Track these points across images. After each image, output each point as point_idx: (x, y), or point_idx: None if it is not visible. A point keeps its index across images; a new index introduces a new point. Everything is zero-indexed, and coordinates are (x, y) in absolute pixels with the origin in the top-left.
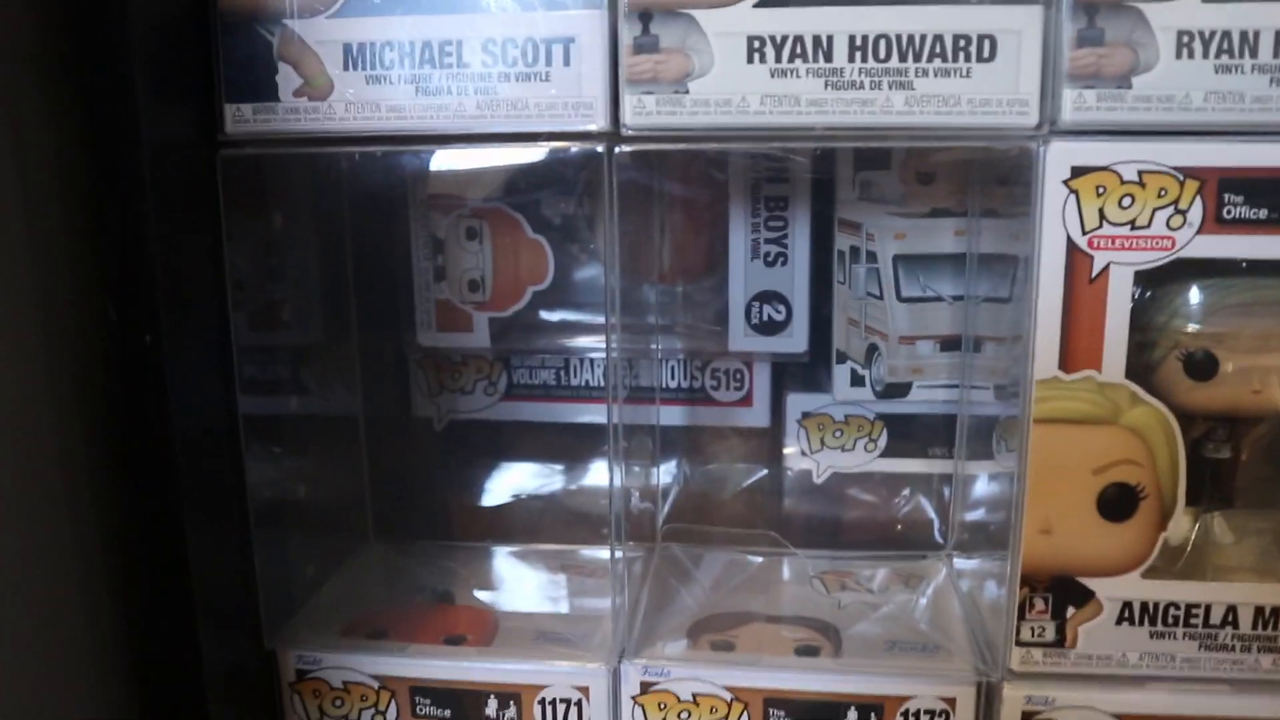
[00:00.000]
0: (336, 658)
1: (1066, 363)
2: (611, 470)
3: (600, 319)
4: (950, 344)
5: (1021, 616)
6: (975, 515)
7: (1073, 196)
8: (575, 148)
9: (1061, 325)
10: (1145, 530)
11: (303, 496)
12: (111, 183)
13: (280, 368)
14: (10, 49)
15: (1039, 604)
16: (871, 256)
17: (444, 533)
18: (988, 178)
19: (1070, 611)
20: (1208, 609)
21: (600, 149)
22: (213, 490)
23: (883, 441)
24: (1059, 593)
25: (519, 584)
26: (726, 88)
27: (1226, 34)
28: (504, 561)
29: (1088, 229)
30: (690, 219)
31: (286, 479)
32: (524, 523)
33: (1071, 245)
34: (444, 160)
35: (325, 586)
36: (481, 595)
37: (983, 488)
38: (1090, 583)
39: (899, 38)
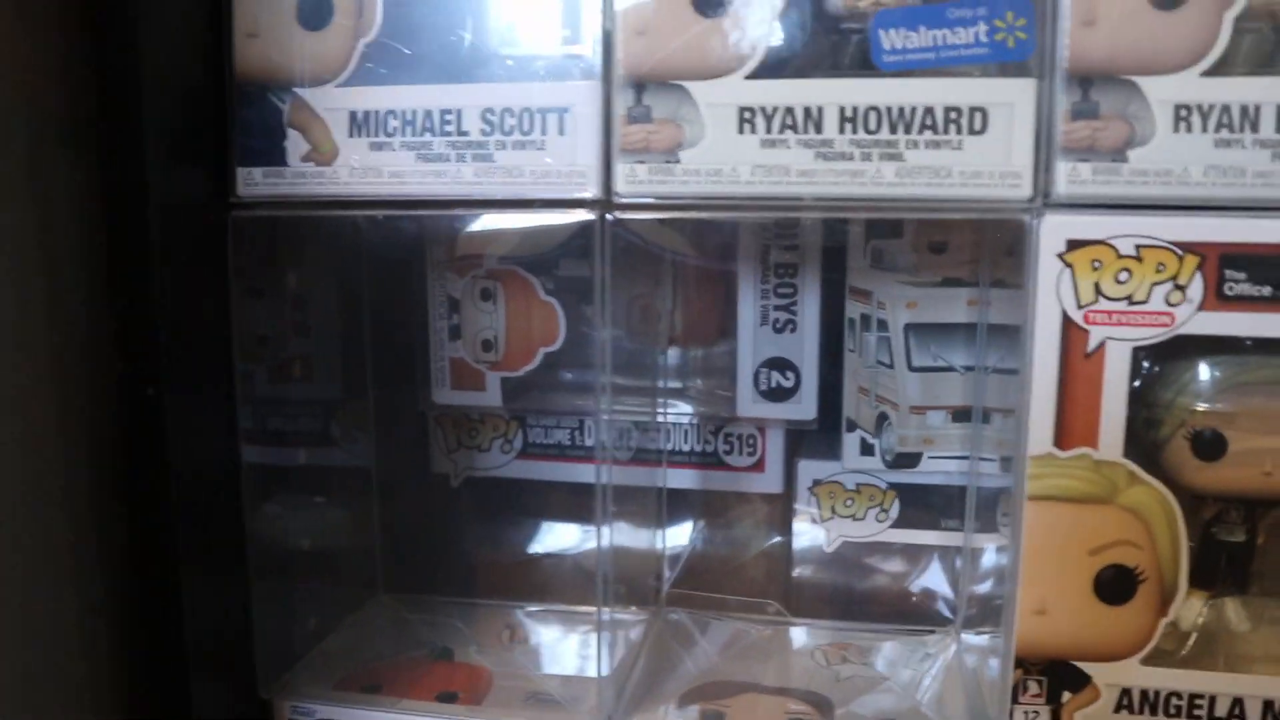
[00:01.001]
0: (329, 710)
1: (1061, 439)
2: (600, 531)
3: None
4: (962, 415)
5: (1015, 700)
6: (982, 589)
7: (1067, 270)
8: (570, 216)
9: (1056, 401)
10: (1145, 614)
11: (311, 548)
12: (125, 242)
13: (297, 421)
14: (39, 110)
15: (1033, 687)
16: (883, 325)
17: (454, 588)
18: (997, 248)
19: (1066, 697)
20: (1212, 700)
21: (593, 216)
22: (211, 540)
23: (895, 511)
24: (1054, 676)
25: (521, 643)
26: (717, 157)
27: (1226, 108)
28: (511, 620)
29: (1083, 303)
30: (700, 284)
31: (295, 530)
32: (535, 581)
33: (1066, 319)
34: (452, 224)
35: (329, 638)
36: (480, 653)
37: (989, 561)
38: (1087, 667)
39: (889, 110)
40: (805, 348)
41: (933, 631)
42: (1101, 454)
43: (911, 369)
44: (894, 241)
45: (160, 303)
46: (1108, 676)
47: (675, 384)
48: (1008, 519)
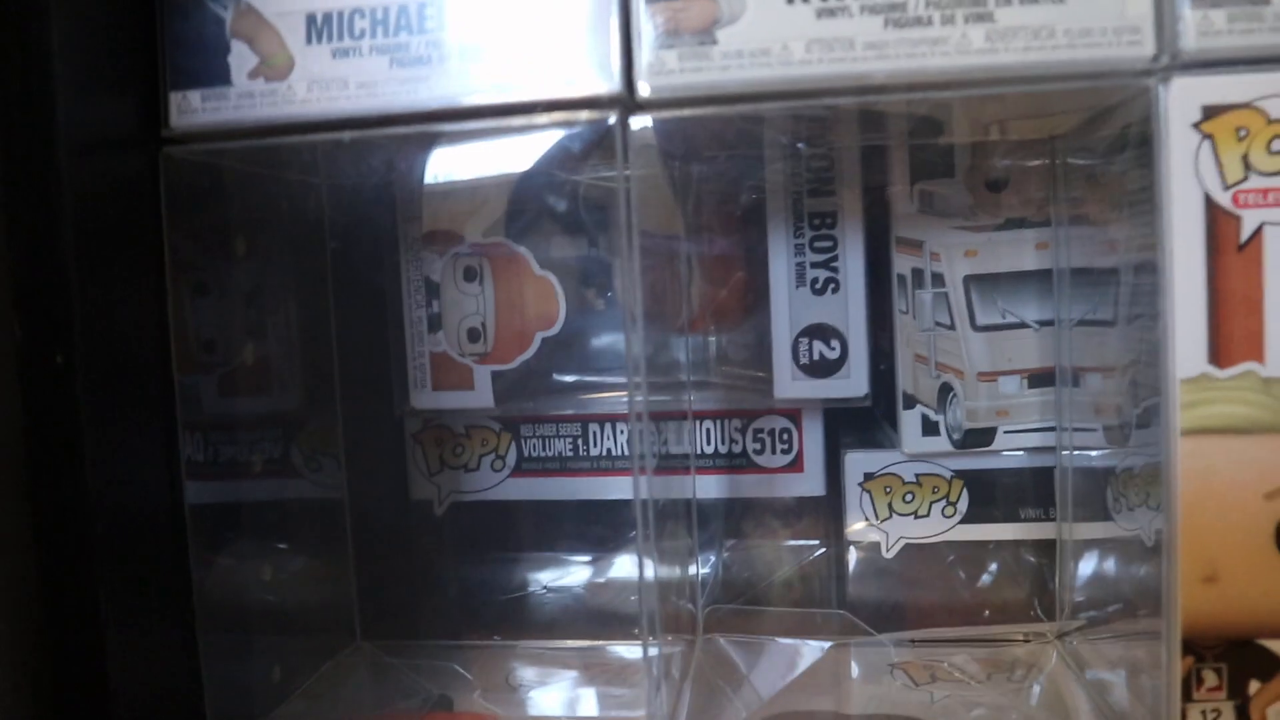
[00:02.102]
0: None
1: (1219, 355)
2: (641, 553)
3: (623, 377)
4: (1040, 379)
5: (1188, 697)
6: (1092, 587)
7: (1207, 142)
8: (582, 117)
9: (1208, 307)
10: None
11: (272, 591)
12: (27, 186)
13: (252, 446)
14: None
15: (1210, 678)
16: (938, 279)
17: (443, 630)
18: (1074, 177)
19: (1254, 687)
20: None
21: (612, 119)
22: (145, 588)
23: (963, 504)
24: (1235, 662)
25: (531, 687)
26: (763, 35)
27: None
28: (514, 661)
29: (1230, 183)
30: (721, 246)
31: (253, 573)
32: (538, 618)
33: (1210, 204)
34: (434, 169)
35: (297, 694)
36: (486, 699)
37: (1099, 555)
38: (1277, 646)
39: None
40: (851, 311)
41: (1027, 639)
42: (1270, 369)
43: (976, 328)
44: (944, 182)
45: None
46: None
47: (698, 376)
48: (1124, 502)
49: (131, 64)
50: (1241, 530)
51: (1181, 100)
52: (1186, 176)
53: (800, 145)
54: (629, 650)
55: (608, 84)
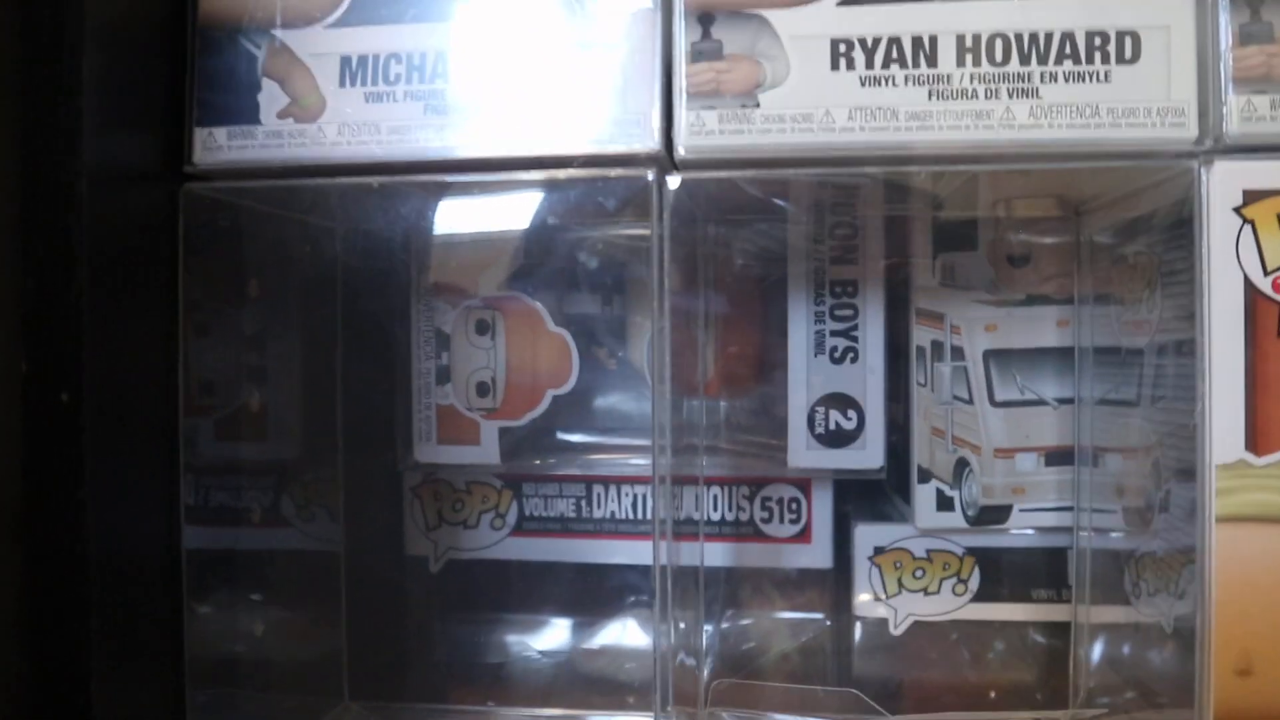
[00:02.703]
0: None
1: (1256, 442)
2: (657, 622)
3: (633, 439)
4: (1058, 457)
5: None
6: (1108, 672)
7: (1248, 227)
8: (615, 174)
9: (1246, 392)
10: None
11: (262, 648)
12: (47, 219)
13: (247, 494)
14: None
15: None
16: (958, 353)
17: (432, 692)
18: (1099, 255)
19: None
20: None
21: (650, 176)
22: (137, 640)
23: (974, 582)
24: None
25: None
26: (806, 100)
27: None
28: None
29: (1270, 268)
30: (741, 309)
31: (243, 627)
32: (532, 684)
33: (1251, 289)
34: (453, 218)
35: None
36: None
37: (1115, 640)
38: None
39: (1019, 36)
40: (869, 381)
41: None
42: None
43: (994, 404)
44: (967, 254)
45: (87, 317)
46: None
47: (709, 440)
48: (1144, 586)
49: (158, 98)
50: (1277, 622)
51: (1223, 184)
52: (1227, 260)
53: (825, 213)
54: None
55: (646, 142)
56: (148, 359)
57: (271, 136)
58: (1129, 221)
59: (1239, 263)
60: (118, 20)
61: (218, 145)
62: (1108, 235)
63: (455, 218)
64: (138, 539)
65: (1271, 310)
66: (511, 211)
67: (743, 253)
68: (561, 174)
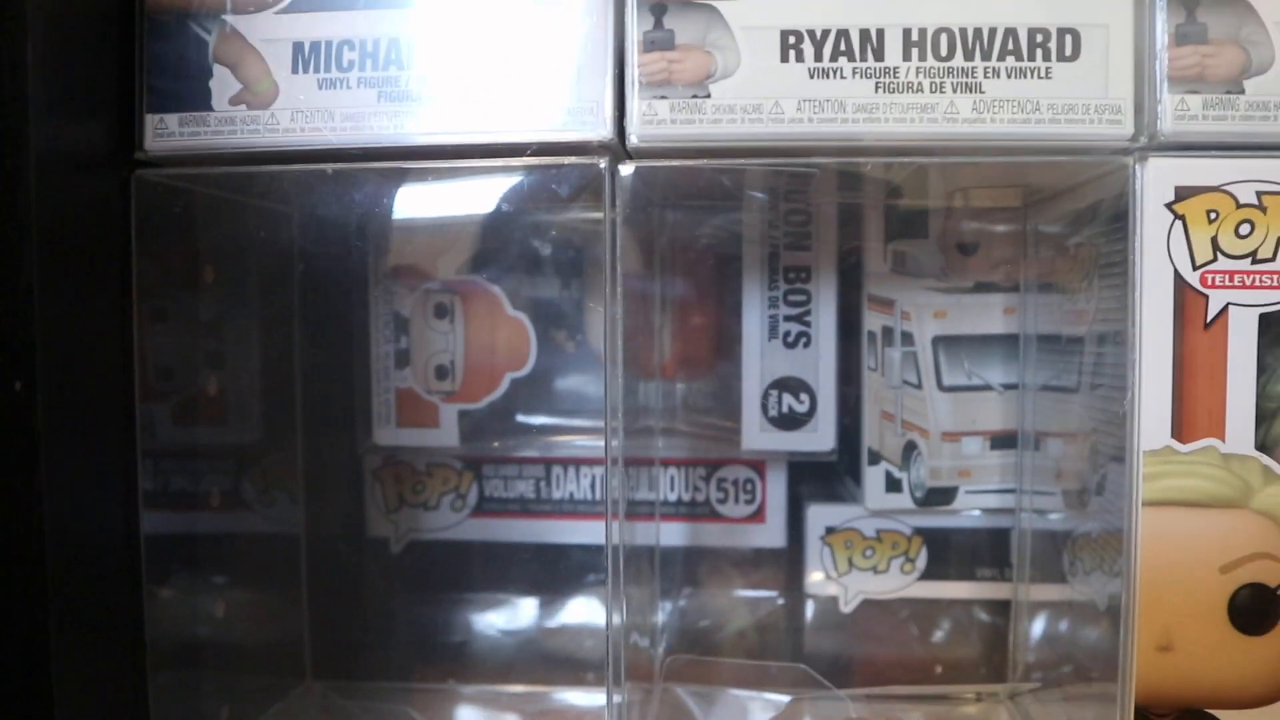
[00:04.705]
0: None
1: (1182, 430)
2: (610, 600)
3: (591, 420)
4: (1002, 441)
5: None
6: (1045, 648)
7: (1179, 223)
8: (568, 162)
9: (1173, 381)
10: None
11: (224, 630)
12: None
13: (207, 475)
14: None
15: None
16: (907, 338)
17: (395, 671)
18: (1043, 245)
19: None
20: None
21: (603, 165)
22: (97, 624)
23: (922, 561)
24: None
25: None
26: (756, 91)
27: None
28: (467, 706)
29: (1199, 263)
30: (697, 292)
31: (204, 610)
32: (493, 662)
33: (1180, 282)
34: (410, 203)
35: None
36: None
37: (1053, 618)
38: (1227, 717)
39: (963, 31)
40: (821, 366)
41: (978, 698)
42: (1230, 446)
43: (942, 388)
44: (918, 242)
45: (39, 295)
46: None
47: (666, 422)
48: (1080, 565)
49: (107, 84)
50: (1197, 602)
51: (1156, 180)
52: (1158, 254)
53: (779, 199)
54: (583, 696)
55: (599, 130)
56: (102, 346)
57: (224, 123)
58: (1074, 213)
59: (1169, 256)
60: (63, 3)
61: (169, 132)
62: (1055, 225)
63: (412, 203)
64: (95, 525)
65: (1199, 303)
66: (468, 197)
67: (699, 237)
68: (515, 162)
